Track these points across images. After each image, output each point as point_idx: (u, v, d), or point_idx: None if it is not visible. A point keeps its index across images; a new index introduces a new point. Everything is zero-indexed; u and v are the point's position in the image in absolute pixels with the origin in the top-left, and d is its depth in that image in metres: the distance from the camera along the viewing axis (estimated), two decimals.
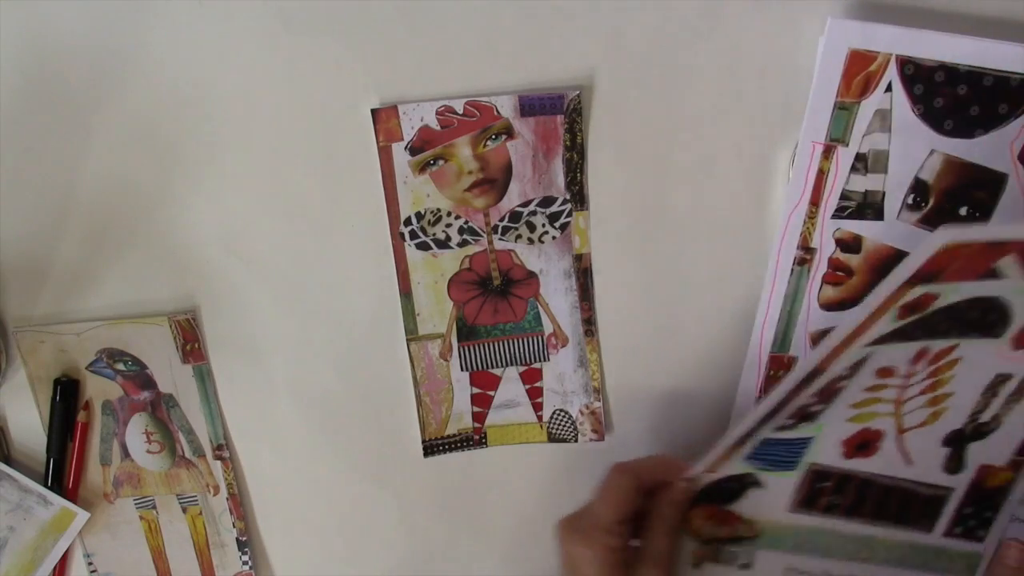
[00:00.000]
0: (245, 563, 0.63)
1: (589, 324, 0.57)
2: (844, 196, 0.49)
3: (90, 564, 0.63)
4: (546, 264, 0.56)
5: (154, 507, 0.63)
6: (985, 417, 0.50)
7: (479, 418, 0.59)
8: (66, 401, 0.59)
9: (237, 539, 0.62)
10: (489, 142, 0.53)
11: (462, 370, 0.58)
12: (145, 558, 0.63)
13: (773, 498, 0.52)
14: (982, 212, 0.49)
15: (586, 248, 0.55)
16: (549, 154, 0.53)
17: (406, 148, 0.53)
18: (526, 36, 0.51)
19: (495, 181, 0.54)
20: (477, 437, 0.59)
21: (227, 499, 0.62)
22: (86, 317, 0.59)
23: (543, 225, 0.54)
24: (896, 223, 0.49)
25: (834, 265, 0.51)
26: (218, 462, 0.61)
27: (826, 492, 0.51)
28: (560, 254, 0.55)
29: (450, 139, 0.53)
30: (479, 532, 0.62)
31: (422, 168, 0.54)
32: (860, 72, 0.46)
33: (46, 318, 0.57)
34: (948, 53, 0.46)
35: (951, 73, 0.46)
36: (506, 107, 0.52)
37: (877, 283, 0.48)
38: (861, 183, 0.49)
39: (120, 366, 0.59)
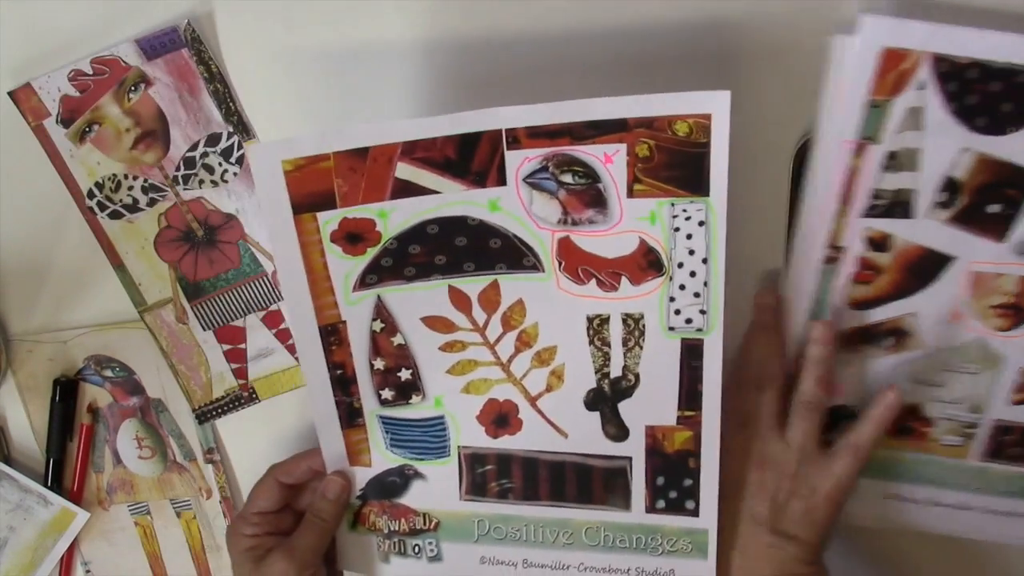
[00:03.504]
0: None
1: None
2: (875, 195, 0.54)
3: (88, 572, 0.69)
4: (240, 203, 0.61)
5: (148, 512, 0.69)
6: (615, 371, 0.56)
7: (240, 374, 0.65)
8: (65, 401, 0.64)
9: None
10: (131, 94, 0.58)
11: (204, 330, 0.64)
12: (142, 563, 0.69)
13: (440, 488, 0.60)
14: (1014, 210, 0.55)
15: None
16: (194, 91, 0.59)
17: (57, 122, 0.59)
18: None
19: (154, 132, 0.59)
20: (246, 394, 0.65)
21: (220, 502, 0.68)
22: (74, 324, 0.64)
23: (220, 164, 0.60)
24: (926, 221, 0.55)
25: (863, 264, 0.56)
26: (209, 465, 0.67)
27: (491, 476, 0.59)
28: (249, 190, 0.61)
29: (93, 102, 0.58)
30: None
31: (81, 137, 0.59)
32: (893, 70, 0.51)
33: (41, 326, 0.62)
34: (982, 49, 0.51)
35: (984, 70, 0.51)
36: (130, 55, 0.58)
37: (907, 281, 0.57)
38: (893, 181, 0.54)
39: (108, 372, 0.65)
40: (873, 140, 0.53)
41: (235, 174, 0.60)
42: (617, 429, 0.57)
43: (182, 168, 0.59)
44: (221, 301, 0.63)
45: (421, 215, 0.54)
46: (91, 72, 0.57)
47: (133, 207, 0.60)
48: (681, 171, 0.51)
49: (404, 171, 0.53)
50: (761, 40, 0.56)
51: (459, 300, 0.56)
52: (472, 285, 0.56)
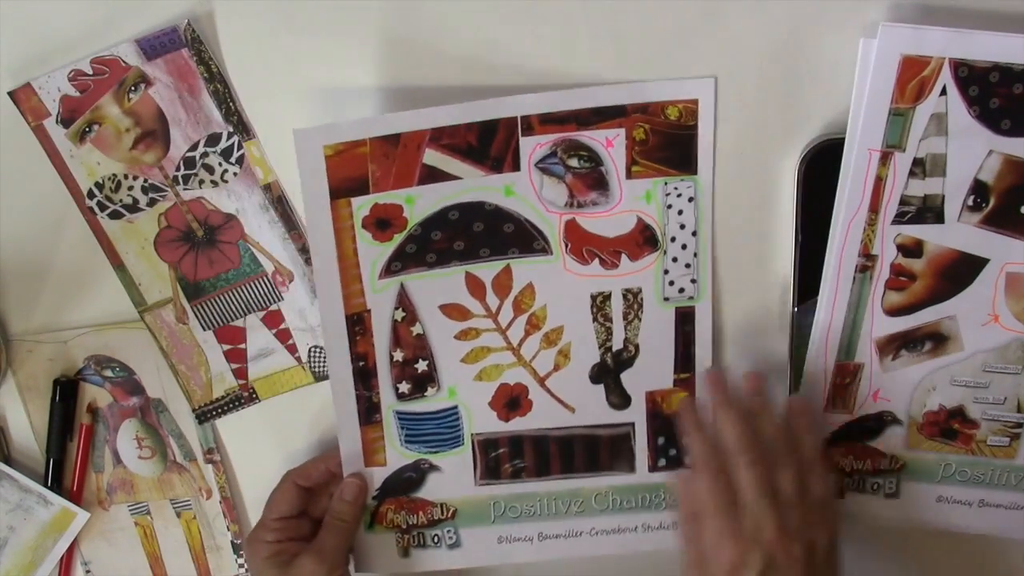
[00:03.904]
0: (241, 566, 0.80)
1: (306, 252, 0.72)
2: (903, 201, 0.64)
3: (88, 572, 0.81)
4: (240, 203, 0.71)
5: (148, 513, 0.79)
6: (617, 344, 0.71)
7: (241, 374, 0.75)
8: (65, 401, 0.75)
9: (232, 542, 0.80)
10: (131, 95, 0.68)
11: (204, 329, 0.74)
12: (142, 564, 0.81)
13: (456, 477, 0.74)
14: None
15: (271, 177, 0.71)
16: (194, 91, 0.68)
17: (57, 122, 0.68)
18: None
19: (154, 132, 0.69)
20: (246, 394, 0.76)
21: (220, 502, 0.79)
22: (74, 325, 0.74)
23: (220, 164, 0.70)
24: (957, 225, 0.64)
25: (896, 271, 0.66)
26: (209, 466, 0.78)
27: (504, 459, 0.74)
28: (248, 189, 0.71)
29: (93, 102, 0.68)
30: None
31: (81, 137, 0.69)
32: (914, 77, 0.61)
33: (41, 326, 0.73)
34: (1002, 53, 0.60)
35: (1006, 73, 0.60)
36: (130, 55, 0.67)
37: (942, 286, 0.67)
38: (920, 187, 0.63)
39: (108, 372, 0.76)
40: (898, 148, 0.63)
41: (235, 174, 0.69)
42: (620, 398, 0.72)
43: (182, 168, 0.69)
44: (221, 301, 0.73)
45: (444, 201, 0.67)
46: (91, 72, 0.66)
47: (133, 207, 0.70)
48: (673, 152, 0.66)
49: (431, 157, 0.66)
50: (766, 42, 0.65)
51: (475, 286, 0.70)
52: (487, 271, 0.69)
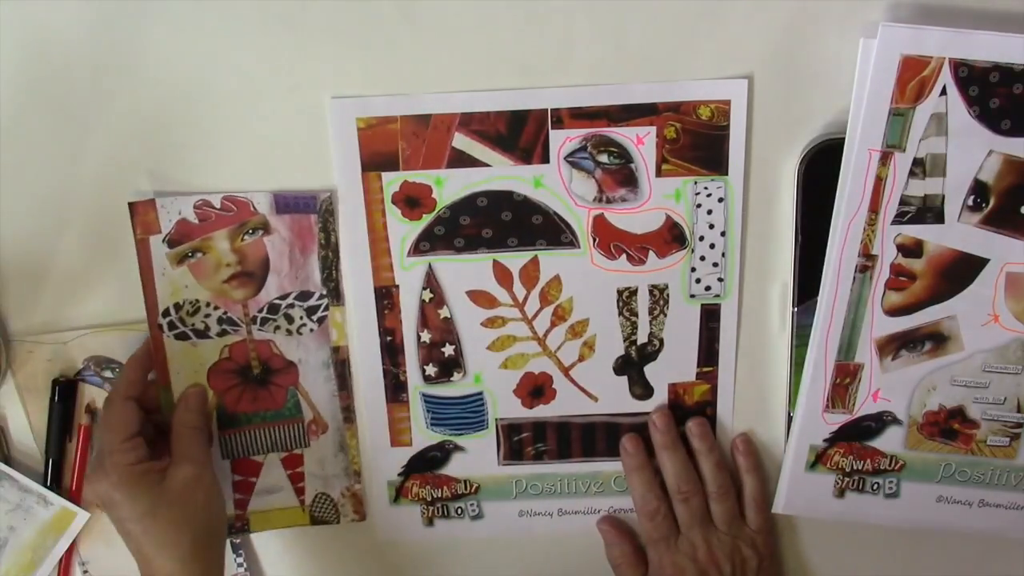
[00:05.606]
0: (240, 565, 0.81)
1: (348, 411, 0.76)
2: (903, 201, 0.65)
3: (85, 573, 0.80)
4: (305, 354, 0.74)
5: None
6: (642, 338, 0.74)
7: (241, 505, 0.77)
8: (64, 402, 0.76)
9: (232, 542, 0.80)
10: (247, 236, 0.71)
11: (223, 458, 0.76)
12: None
13: (479, 457, 0.78)
14: None
15: (343, 341, 0.74)
16: (305, 251, 0.71)
17: (164, 240, 0.70)
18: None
19: (253, 274, 0.72)
20: (239, 524, 0.78)
21: None
22: (74, 326, 0.75)
23: (301, 318, 0.73)
24: (957, 225, 0.65)
25: (896, 271, 0.67)
26: None
27: (527, 442, 0.78)
28: (319, 345, 0.74)
29: (208, 232, 0.70)
30: None
31: (180, 260, 0.71)
32: (914, 77, 0.61)
33: (41, 327, 0.74)
34: (1002, 53, 0.60)
35: (1006, 73, 0.61)
36: (262, 204, 0.70)
37: (942, 286, 0.68)
38: (920, 187, 0.64)
39: (107, 373, 0.76)
40: (898, 148, 0.63)
41: (311, 330, 0.73)
42: (643, 389, 0.75)
43: (264, 311, 0.72)
44: (250, 435, 0.76)
45: (472, 187, 0.69)
46: (218, 206, 0.69)
47: (203, 333, 0.72)
48: (704, 152, 0.68)
49: (461, 141, 0.68)
50: (766, 42, 0.66)
51: (502, 275, 0.72)
52: (515, 260, 0.72)
